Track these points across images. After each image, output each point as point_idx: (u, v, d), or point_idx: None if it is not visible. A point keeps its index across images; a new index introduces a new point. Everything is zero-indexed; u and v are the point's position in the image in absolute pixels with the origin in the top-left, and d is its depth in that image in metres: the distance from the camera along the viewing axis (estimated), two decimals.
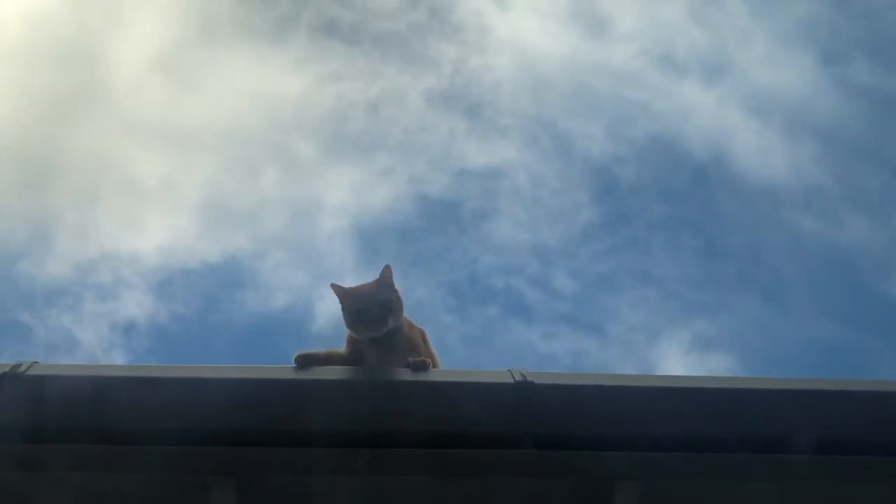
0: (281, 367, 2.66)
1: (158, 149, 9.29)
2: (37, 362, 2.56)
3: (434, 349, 3.04)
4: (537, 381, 2.52)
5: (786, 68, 9.52)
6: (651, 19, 9.78)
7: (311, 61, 9.29)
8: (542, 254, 9.35)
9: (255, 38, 9.33)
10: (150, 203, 9.25)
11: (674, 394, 2.56)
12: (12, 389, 2.45)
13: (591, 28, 9.73)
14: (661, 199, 9.70)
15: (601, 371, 2.80)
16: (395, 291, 2.99)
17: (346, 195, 9.40)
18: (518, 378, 2.52)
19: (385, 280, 2.99)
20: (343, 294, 3.00)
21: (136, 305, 8.76)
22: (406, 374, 2.63)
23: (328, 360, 2.80)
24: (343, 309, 2.99)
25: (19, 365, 2.51)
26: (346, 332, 3.00)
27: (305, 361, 2.69)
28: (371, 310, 2.94)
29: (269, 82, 9.33)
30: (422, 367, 2.66)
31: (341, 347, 3.00)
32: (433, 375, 2.62)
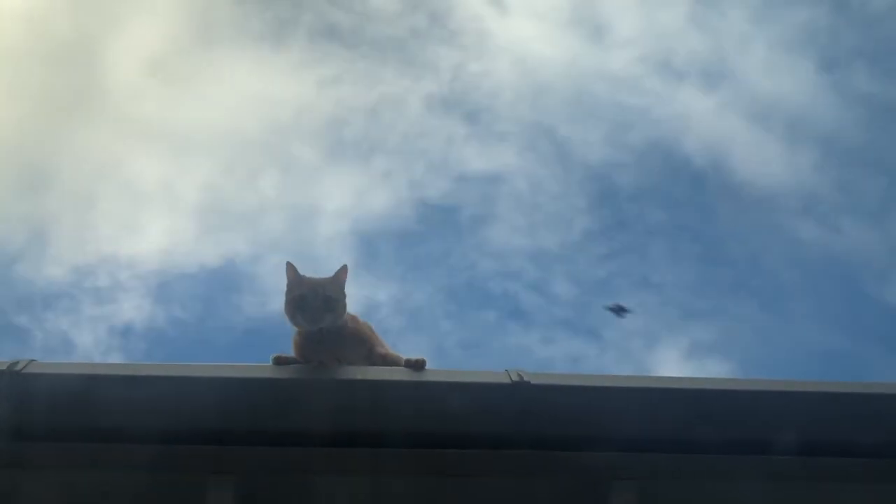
0: (278, 366, 2.67)
1: (157, 152, 9.30)
2: (34, 360, 2.56)
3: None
4: (534, 381, 2.52)
5: (785, 75, 9.55)
6: (650, 25, 9.81)
7: (311, 65, 9.31)
8: (540, 259, 9.37)
9: (254, 42, 9.35)
10: (148, 206, 9.26)
11: (670, 395, 2.57)
12: (10, 387, 2.46)
13: (591, 34, 9.77)
14: (660, 205, 9.72)
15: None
16: (343, 294, 2.92)
17: (345, 199, 9.41)
18: (515, 378, 2.53)
19: (338, 279, 2.92)
20: (294, 276, 2.92)
21: (133, 309, 8.76)
22: (403, 374, 2.63)
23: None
24: (287, 292, 2.91)
25: (17, 363, 2.52)
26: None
27: (282, 361, 2.70)
28: (314, 302, 2.86)
29: (268, 86, 9.35)
30: (420, 366, 2.66)
31: None
32: (430, 375, 2.62)
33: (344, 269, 2.93)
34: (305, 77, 9.25)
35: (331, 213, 9.24)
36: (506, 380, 2.53)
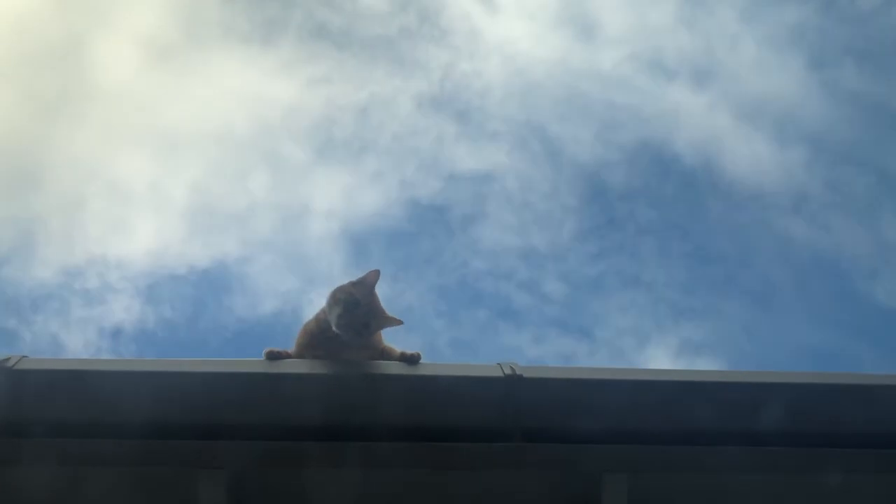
0: (257, 360, 2.66)
1: (146, 152, 9.27)
2: (26, 356, 2.56)
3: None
4: (526, 374, 2.53)
5: (774, 73, 9.58)
6: (640, 24, 9.83)
7: (300, 65, 9.30)
8: (531, 258, 9.37)
9: (243, 41, 9.33)
10: (137, 207, 9.22)
11: (661, 387, 2.58)
12: (1, 383, 2.45)
13: (581, 33, 9.78)
14: (651, 204, 9.73)
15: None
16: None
17: (336, 199, 9.40)
18: (507, 372, 2.53)
19: (372, 285, 2.88)
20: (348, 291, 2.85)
21: (123, 310, 8.73)
22: (398, 368, 2.64)
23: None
24: (335, 304, 2.83)
25: (8, 359, 2.52)
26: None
27: (274, 356, 2.69)
28: (366, 318, 2.83)
29: (258, 85, 9.33)
30: (414, 360, 2.66)
31: None
32: (423, 369, 2.63)
33: (376, 273, 2.89)
34: (295, 77, 9.24)
35: (321, 213, 9.23)
36: (498, 373, 2.54)
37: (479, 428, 2.47)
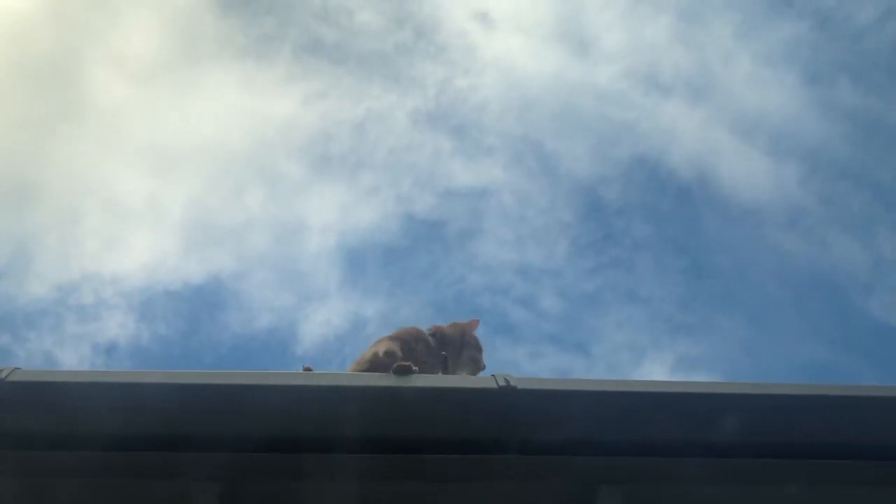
0: (262, 372, 2.65)
1: (141, 168, 9.27)
2: (18, 368, 2.55)
3: None
4: (520, 386, 2.52)
5: (769, 89, 9.62)
6: (636, 40, 9.87)
7: (296, 80, 9.32)
8: (527, 273, 9.37)
9: (239, 57, 9.35)
10: (132, 223, 9.22)
11: (656, 399, 2.57)
12: None
13: (576, 48, 9.82)
14: (646, 219, 9.75)
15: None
16: None
17: (332, 215, 9.40)
18: (502, 383, 2.52)
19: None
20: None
21: (117, 326, 8.70)
22: (390, 380, 2.62)
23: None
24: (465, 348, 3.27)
25: (0, 371, 2.50)
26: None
27: (404, 370, 2.70)
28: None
29: (254, 101, 9.35)
30: (405, 371, 2.66)
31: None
32: (417, 381, 2.62)
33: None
34: (291, 92, 9.26)
35: (317, 229, 9.24)
36: (492, 384, 2.53)
37: (473, 439, 2.46)
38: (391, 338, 3.05)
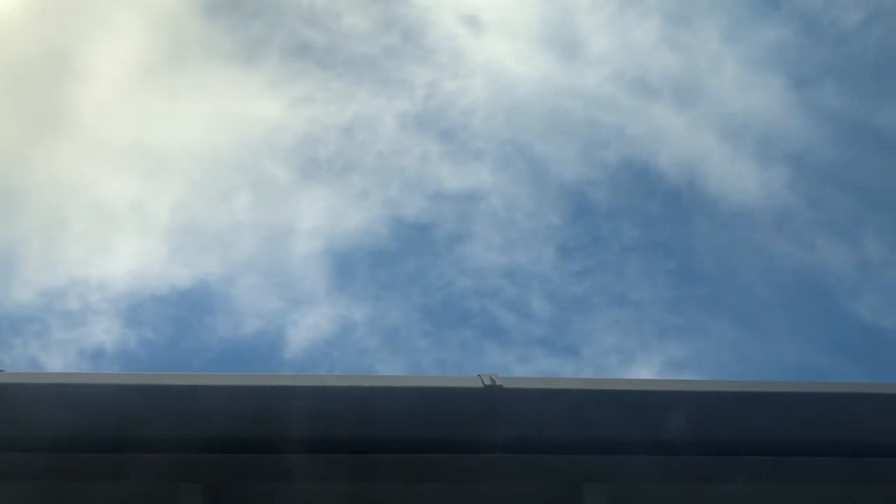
0: (247, 374, 2.64)
1: (128, 172, 9.23)
2: (1, 371, 2.53)
3: None
4: (506, 385, 2.52)
5: (756, 92, 9.65)
6: (623, 43, 9.88)
7: (284, 84, 9.30)
8: (516, 276, 9.37)
9: (226, 61, 9.33)
10: (118, 227, 9.17)
11: (641, 398, 2.57)
12: None
13: (564, 52, 9.83)
14: (635, 222, 9.75)
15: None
16: None
17: (320, 219, 9.37)
18: (487, 382, 2.52)
19: None
20: None
21: (104, 332, 8.66)
22: (377, 380, 2.62)
23: None
24: None
25: None
26: None
27: None
28: None
29: (241, 105, 9.33)
30: None
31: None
32: (404, 381, 2.61)
33: None
34: (278, 96, 9.24)
35: (305, 233, 9.21)
36: (478, 384, 2.53)
37: (459, 439, 2.46)
38: None
